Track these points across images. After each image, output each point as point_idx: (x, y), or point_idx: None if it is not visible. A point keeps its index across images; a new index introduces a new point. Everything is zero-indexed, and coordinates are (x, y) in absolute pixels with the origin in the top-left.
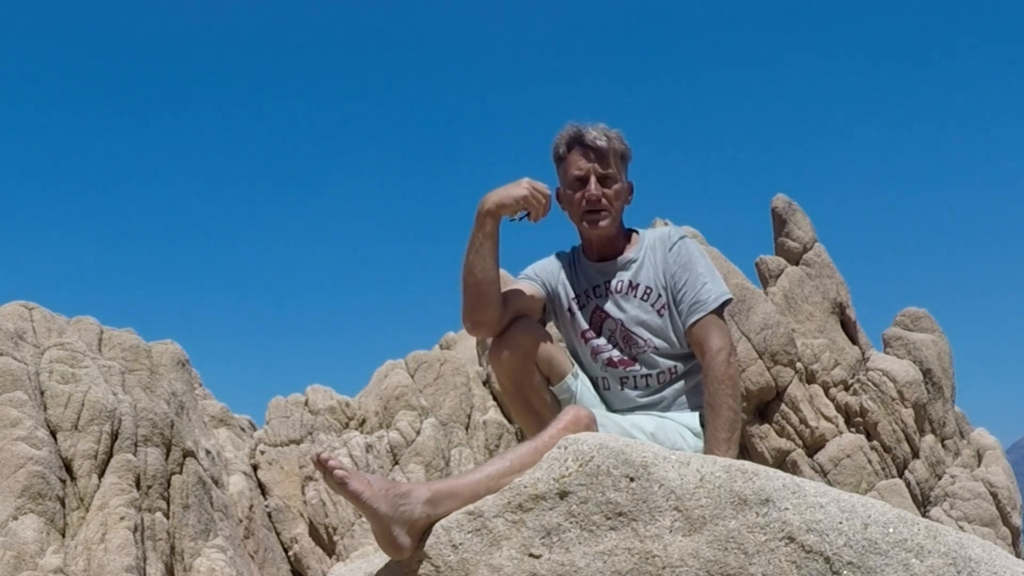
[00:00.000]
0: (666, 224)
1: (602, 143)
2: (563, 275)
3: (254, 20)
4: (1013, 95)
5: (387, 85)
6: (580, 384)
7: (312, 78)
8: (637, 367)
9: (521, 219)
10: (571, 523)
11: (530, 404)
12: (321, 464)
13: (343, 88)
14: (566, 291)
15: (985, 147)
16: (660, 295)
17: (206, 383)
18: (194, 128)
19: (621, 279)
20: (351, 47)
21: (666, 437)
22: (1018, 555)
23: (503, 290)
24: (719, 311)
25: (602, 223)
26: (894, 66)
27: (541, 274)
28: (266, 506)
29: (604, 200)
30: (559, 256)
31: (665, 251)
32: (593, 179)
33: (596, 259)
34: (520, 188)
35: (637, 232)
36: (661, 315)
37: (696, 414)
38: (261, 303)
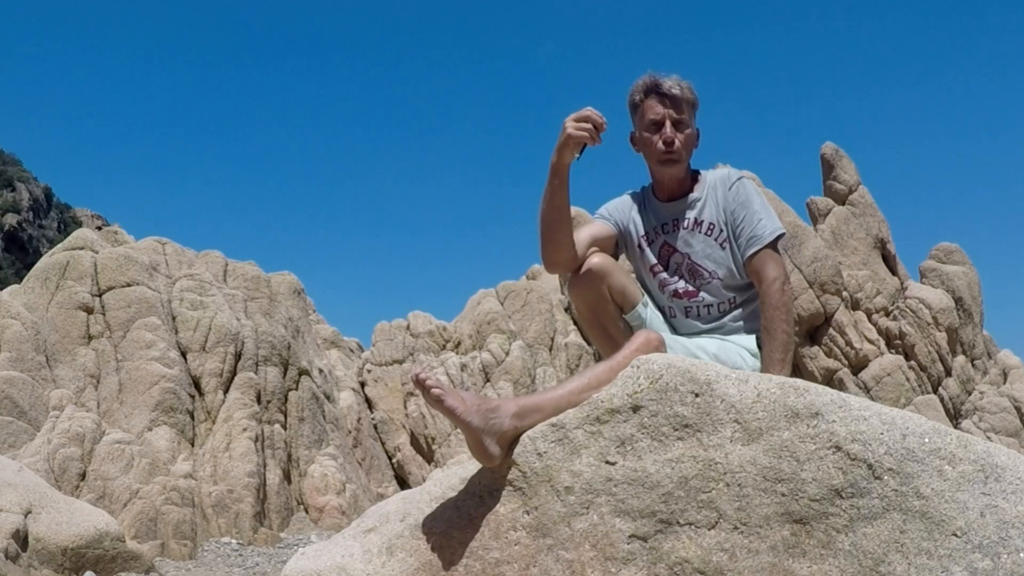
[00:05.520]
0: (726, 167)
1: (676, 91)
2: (635, 213)
3: None
4: None
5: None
6: (650, 312)
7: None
8: (701, 297)
9: (582, 155)
10: (643, 434)
11: (606, 330)
12: (420, 383)
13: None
14: (636, 229)
15: (995, 102)
16: (722, 230)
17: (319, 309)
18: (321, 75)
19: (688, 217)
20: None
21: (727, 358)
22: None
23: (581, 229)
24: (774, 244)
25: (676, 165)
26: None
27: (615, 213)
28: (372, 419)
29: (677, 143)
30: (632, 196)
31: (726, 190)
32: (668, 123)
33: (665, 199)
34: (564, 134)
35: (701, 173)
36: (724, 248)
37: (753, 337)
38: (368, 237)
